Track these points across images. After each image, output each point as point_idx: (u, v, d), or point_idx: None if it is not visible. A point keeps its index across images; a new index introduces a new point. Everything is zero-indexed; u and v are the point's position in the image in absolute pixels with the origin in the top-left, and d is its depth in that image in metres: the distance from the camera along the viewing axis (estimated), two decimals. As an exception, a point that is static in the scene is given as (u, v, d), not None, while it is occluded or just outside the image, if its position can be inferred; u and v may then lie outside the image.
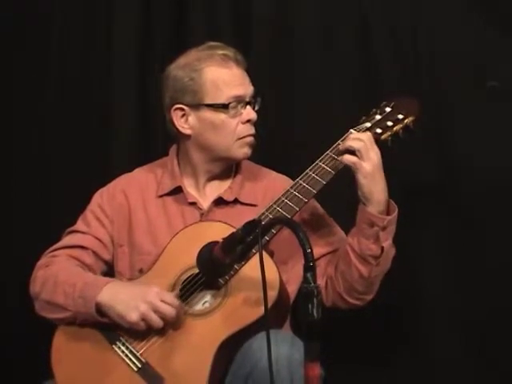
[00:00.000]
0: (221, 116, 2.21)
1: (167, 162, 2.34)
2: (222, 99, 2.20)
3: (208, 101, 2.21)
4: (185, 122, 2.24)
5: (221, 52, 2.22)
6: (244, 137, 2.23)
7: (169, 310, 2.05)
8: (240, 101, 2.21)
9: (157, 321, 2.05)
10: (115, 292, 2.10)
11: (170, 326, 2.07)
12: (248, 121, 2.23)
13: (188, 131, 2.25)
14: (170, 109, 2.25)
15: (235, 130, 2.22)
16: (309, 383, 1.59)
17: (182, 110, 2.24)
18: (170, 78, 2.25)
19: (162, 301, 2.05)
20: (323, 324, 1.59)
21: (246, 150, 2.25)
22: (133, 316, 2.04)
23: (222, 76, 2.21)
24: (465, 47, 2.65)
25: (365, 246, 2.16)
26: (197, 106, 2.22)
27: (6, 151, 2.96)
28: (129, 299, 2.07)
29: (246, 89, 2.23)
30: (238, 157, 2.26)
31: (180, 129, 2.25)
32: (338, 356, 2.41)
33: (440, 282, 2.72)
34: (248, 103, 2.23)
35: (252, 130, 2.25)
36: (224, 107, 2.20)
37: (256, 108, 2.26)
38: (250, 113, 2.23)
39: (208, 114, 2.22)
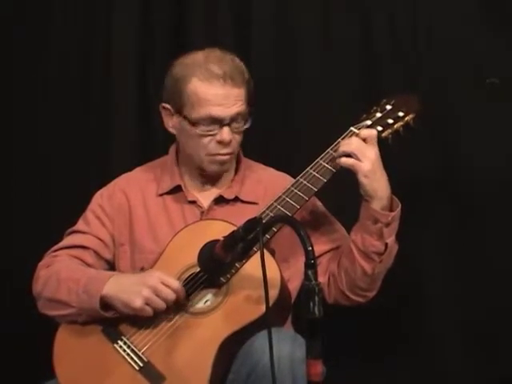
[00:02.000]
0: (193, 130, 2.17)
1: (167, 160, 2.34)
2: (195, 115, 2.15)
3: (185, 112, 2.17)
4: (170, 121, 2.24)
5: (211, 66, 2.15)
6: (214, 155, 2.19)
7: (169, 294, 2.04)
8: (215, 121, 2.15)
9: (160, 304, 2.04)
10: (119, 283, 2.09)
11: (172, 324, 2.07)
12: (220, 142, 2.18)
13: (172, 131, 2.25)
14: (161, 104, 2.25)
15: (206, 146, 2.18)
16: (311, 381, 1.59)
17: (169, 109, 2.23)
18: (169, 73, 2.23)
19: (163, 283, 2.04)
20: (324, 322, 1.59)
21: (215, 168, 2.22)
22: (137, 302, 2.04)
23: (202, 92, 2.14)
24: (465, 47, 2.65)
25: (368, 242, 2.15)
26: (177, 112, 2.20)
27: (6, 151, 2.95)
28: (131, 286, 2.07)
29: (226, 111, 2.14)
30: (209, 171, 2.24)
31: (166, 126, 2.25)
32: (337, 356, 2.41)
33: (440, 281, 2.72)
34: (227, 124, 2.16)
35: (224, 150, 2.18)
36: (193, 125, 2.16)
37: (246, 126, 2.20)
38: (223, 134, 2.16)
39: (184, 124, 2.19)
